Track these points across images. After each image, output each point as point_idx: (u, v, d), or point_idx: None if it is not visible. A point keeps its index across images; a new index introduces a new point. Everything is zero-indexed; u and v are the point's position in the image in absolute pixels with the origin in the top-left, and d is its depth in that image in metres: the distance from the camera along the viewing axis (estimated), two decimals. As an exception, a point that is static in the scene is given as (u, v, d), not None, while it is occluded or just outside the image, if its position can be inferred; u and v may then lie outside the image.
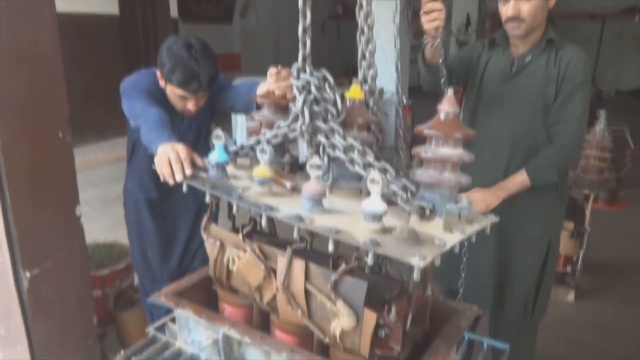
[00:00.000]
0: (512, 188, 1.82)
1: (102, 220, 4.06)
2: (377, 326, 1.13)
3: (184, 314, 1.31)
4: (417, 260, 0.93)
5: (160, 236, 2.13)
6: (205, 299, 1.44)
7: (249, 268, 1.30)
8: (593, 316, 3.27)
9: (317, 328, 1.19)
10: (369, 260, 1.02)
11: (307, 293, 1.20)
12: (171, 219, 2.14)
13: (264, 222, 1.16)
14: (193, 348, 1.28)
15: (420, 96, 6.10)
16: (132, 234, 2.18)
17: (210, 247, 1.39)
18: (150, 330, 1.44)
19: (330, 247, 1.06)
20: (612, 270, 3.86)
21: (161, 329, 1.47)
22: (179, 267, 2.19)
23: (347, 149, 1.16)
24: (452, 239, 1.05)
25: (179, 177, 1.30)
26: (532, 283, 2.02)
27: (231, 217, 1.40)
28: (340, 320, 1.14)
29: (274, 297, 1.27)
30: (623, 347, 2.94)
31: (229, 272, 1.37)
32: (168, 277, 2.09)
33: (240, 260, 1.31)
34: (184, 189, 1.31)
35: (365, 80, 1.28)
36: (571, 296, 3.39)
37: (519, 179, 1.82)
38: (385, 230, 1.05)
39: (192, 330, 1.34)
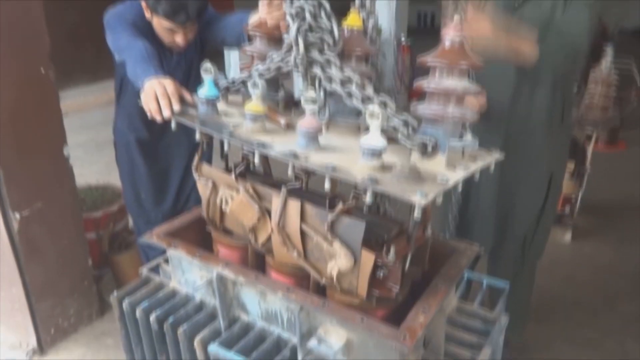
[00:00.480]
0: (512, 39, 1.56)
1: (96, 163, 4.00)
2: (375, 267, 1.10)
3: (177, 255, 1.27)
4: (419, 198, 0.88)
5: (153, 177, 2.08)
6: (200, 239, 1.40)
7: (242, 209, 1.25)
8: (590, 256, 3.29)
9: (313, 269, 1.16)
10: (368, 198, 0.97)
11: (302, 234, 1.15)
12: (164, 160, 2.08)
13: (256, 160, 1.10)
14: (187, 288, 1.26)
15: (420, 36, 5.89)
16: (124, 176, 2.12)
17: (203, 188, 1.33)
18: (144, 271, 1.42)
19: (327, 186, 1.00)
20: (609, 210, 3.85)
21: (155, 270, 1.44)
22: (174, 209, 2.15)
23: (345, 82, 1.09)
24: (455, 176, 0.99)
25: (166, 113, 1.23)
26: (533, 221, 1.99)
27: (224, 156, 1.34)
28: (337, 261, 1.10)
29: (269, 239, 1.23)
30: (619, 285, 2.97)
31: (222, 213, 1.32)
32: (162, 219, 2.05)
33: (234, 201, 1.26)
34: (173, 126, 1.24)
35: (363, 5, 1.19)
36: (568, 236, 3.40)
37: (525, 42, 1.58)
38: (385, 168, 0.99)
39: (186, 271, 1.31)
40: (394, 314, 1.16)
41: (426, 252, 1.22)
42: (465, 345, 1.22)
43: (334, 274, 1.12)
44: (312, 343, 1.07)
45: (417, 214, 0.90)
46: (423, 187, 0.93)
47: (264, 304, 1.20)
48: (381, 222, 1.21)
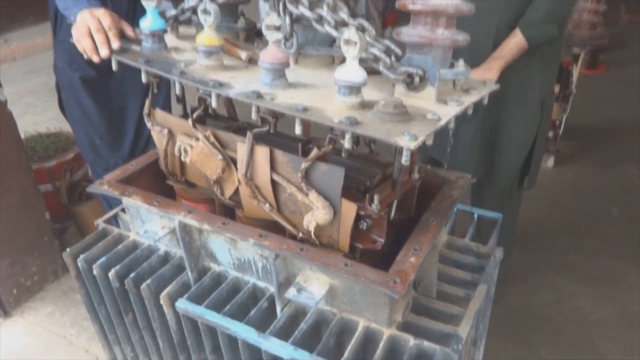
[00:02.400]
0: (508, 54, 1.60)
1: (50, 109, 3.73)
2: (358, 218, 0.98)
3: (134, 203, 1.13)
4: (407, 141, 0.75)
5: (106, 120, 1.88)
6: (160, 185, 1.25)
7: (204, 159, 1.10)
8: (572, 180, 3.25)
9: (288, 223, 1.04)
10: (346, 143, 0.83)
11: (274, 185, 1.02)
12: (117, 100, 1.88)
13: (214, 103, 0.95)
14: (148, 240, 1.12)
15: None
16: (74, 121, 1.92)
17: (158, 137, 1.18)
18: (100, 223, 1.28)
19: (298, 130, 0.86)
20: (590, 134, 3.81)
21: (115, 221, 1.30)
22: (133, 154, 1.96)
23: (314, 4, 0.92)
24: (448, 112, 0.86)
25: (103, 53, 1.05)
26: (524, 151, 1.88)
27: (180, 99, 1.18)
28: (315, 214, 0.98)
29: (237, 191, 1.10)
30: (600, 208, 2.95)
31: (182, 164, 1.18)
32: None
33: (193, 150, 1.11)
34: (114, 66, 1.07)
35: None
36: (551, 162, 3.34)
37: (514, 42, 1.60)
38: (366, 105, 0.85)
39: (146, 221, 1.17)
40: (379, 264, 1.05)
41: (413, 197, 1.10)
42: (458, 283, 1.14)
43: (312, 228, 1.00)
44: (291, 292, 0.97)
45: (405, 159, 0.77)
46: (411, 127, 0.80)
47: (235, 253, 1.09)
48: (362, 167, 1.08)
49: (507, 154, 1.88)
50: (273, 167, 1.01)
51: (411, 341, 0.95)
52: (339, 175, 0.93)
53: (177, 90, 1.02)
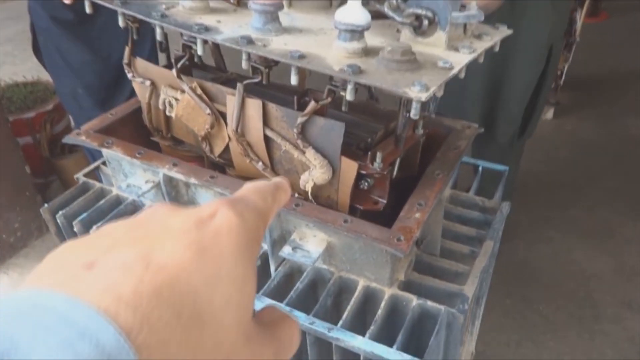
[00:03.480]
0: None
1: (30, 59, 3.56)
2: (358, 177, 0.90)
3: (115, 156, 1.04)
4: (417, 92, 0.67)
5: (89, 68, 1.76)
6: (144, 135, 1.16)
7: (190, 113, 1.01)
8: (571, 132, 3.19)
9: (283, 183, 0.96)
10: (348, 94, 0.74)
11: (267, 141, 0.94)
12: (101, 48, 1.75)
13: (199, 50, 0.85)
14: (132, 195, 1.04)
15: None
16: (53, 67, 1.79)
17: (140, 89, 1.08)
18: (80, 176, 1.19)
19: (293, 80, 0.77)
20: (590, 85, 3.71)
21: (99, 175, 1.22)
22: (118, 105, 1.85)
23: (309, -64, 0.81)
24: (460, 60, 0.77)
25: (74, -7, 0.94)
26: (526, 99, 1.79)
27: (163, 47, 1.07)
28: (312, 173, 0.90)
29: (227, 149, 1.01)
30: (601, 161, 2.90)
31: (167, 119, 1.08)
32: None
33: (179, 104, 1.02)
34: (87, 9, 0.96)
35: None
36: (550, 113, 3.26)
37: None
38: (369, 52, 0.76)
39: (129, 174, 1.09)
40: (379, 223, 0.99)
41: (417, 154, 1.02)
42: (463, 239, 1.08)
43: (309, 188, 0.92)
44: (286, 251, 0.90)
45: (414, 112, 0.68)
46: (421, 76, 0.71)
47: None
48: (363, 122, 1.00)
49: (510, 104, 1.79)
50: (266, 122, 0.92)
51: (414, 301, 0.90)
52: (339, 130, 0.85)
53: (158, 36, 0.91)
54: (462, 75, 0.78)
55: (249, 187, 0.34)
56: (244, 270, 0.26)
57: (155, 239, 0.25)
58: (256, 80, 0.90)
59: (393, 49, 0.72)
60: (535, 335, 1.85)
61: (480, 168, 1.28)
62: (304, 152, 0.89)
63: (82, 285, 0.22)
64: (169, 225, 0.26)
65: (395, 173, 0.96)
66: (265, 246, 0.98)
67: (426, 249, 1.03)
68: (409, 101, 0.72)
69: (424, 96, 0.65)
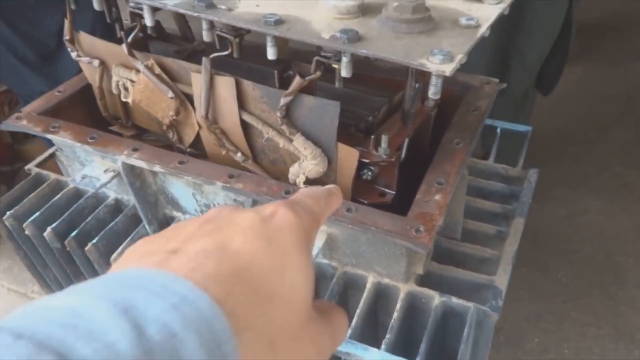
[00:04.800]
0: None
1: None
2: (360, 166, 0.73)
3: (62, 142, 0.85)
4: (439, 64, 0.48)
5: (25, 41, 1.53)
6: (102, 115, 0.96)
7: (150, 97, 0.83)
8: (577, 82, 2.98)
9: (269, 176, 0.78)
10: (343, 69, 0.56)
11: (245, 127, 0.76)
12: (38, 18, 1.52)
13: (147, 20, 0.66)
14: (87, 187, 0.86)
15: None
16: None
17: (88, 70, 0.89)
18: (32, 167, 1.02)
19: (270, 53, 0.59)
20: (593, 31, 3.47)
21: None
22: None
23: None
24: (487, 14, 0.58)
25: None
26: (547, 46, 1.59)
27: (111, 16, 0.87)
28: (303, 166, 0.72)
29: (200, 137, 0.83)
30: (609, 111, 2.71)
31: (126, 105, 0.90)
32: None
33: (135, 86, 0.83)
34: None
35: None
36: (554, 63, 3.05)
37: None
38: (368, 10, 0.57)
39: (85, 163, 0.91)
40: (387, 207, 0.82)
41: (428, 130, 0.84)
42: (486, 217, 0.92)
43: (300, 183, 0.74)
44: None
45: (434, 90, 0.50)
46: (439, 39, 0.52)
47: (201, 198, 0.85)
48: (361, 95, 0.81)
49: (527, 52, 1.58)
50: (242, 104, 0.74)
51: (436, 299, 0.75)
52: (333, 111, 0.67)
53: (96, 5, 0.72)
54: (487, 34, 0.60)
55: (303, 192, 0.36)
56: (305, 260, 0.29)
57: (226, 232, 0.29)
58: (225, 53, 0.71)
59: (401, 5, 0.53)
60: (556, 306, 1.71)
61: (498, 130, 1.10)
62: (291, 140, 0.71)
63: (172, 266, 0.26)
64: (237, 221, 0.29)
65: (403, 154, 0.78)
66: None
67: (445, 233, 0.86)
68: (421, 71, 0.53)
69: (448, 69, 0.47)
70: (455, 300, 0.74)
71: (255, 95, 0.72)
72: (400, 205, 0.73)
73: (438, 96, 0.51)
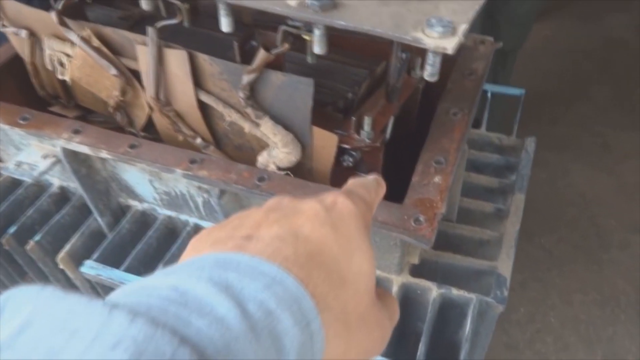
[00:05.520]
0: None
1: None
2: (340, 152, 0.63)
3: None
4: (439, 37, 0.38)
5: None
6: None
7: (91, 75, 0.70)
8: (551, 38, 2.89)
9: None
10: (316, 45, 0.45)
11: (205, 109, 0.65)
12: None
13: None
14: (23, 176, 0.73)
15: None
16: None
17: (17, 43, 0.75)
18: None
19: (224, 25, 0.47)
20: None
21: None
22: None
23: None
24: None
25: None
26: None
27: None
28: (272, 154, 0.62)
29: (152, 120, 0.71)
30: (586, 68, 2.64)
31: (64, 83, 0.77)
32: None
33: (73, 62, 0.70)
34: None
35: None
36: (530, 18, 2.94)
37: None
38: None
39: (21, 147, 0.78)
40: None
41: (415, 106, 0.74)
42: (481, 193, 0.84)
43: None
44: None
45: (431, 71, 0.40)
46: (436, 4, 0.41)
47: (160, 185, 0.74)
48: (338, 65, 0.70)
49: (517, 4, 1.48)
50: (198, 81, 0.63)
51: (434, 291, 0.67)
52: (306, 90, 0.56)
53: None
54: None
55: (355, 182, 0.36)
56: (368, 246, 0.31)
57: (294, 219, 0.29)
58: (173, 22, 0.59)
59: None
60: (541, 273, 1.67)
61: (489, 94, 1.00)
62: (257, 125, 0.60)
63: (251, 250, 0.26)
64: (301, 209, 0.30)
65: (388, 134, 0.68)
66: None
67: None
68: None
69: (450, 45, 0.37)
70: (455, 291, 0.67)
71: (214, 71, 0.61)
72: (388, 192, 0.64)
73: (436, 77, 0.40)
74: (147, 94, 0.66)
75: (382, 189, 0.38)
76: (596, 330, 1.55)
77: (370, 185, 0.36)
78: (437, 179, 0.60)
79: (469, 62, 0.76)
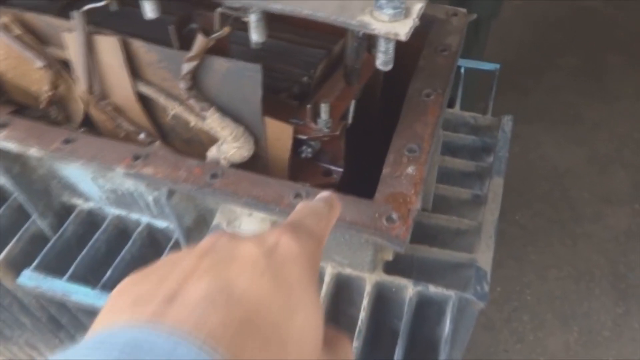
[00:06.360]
0: None
1: None
2: (297, 143, 0.58)
3: None
4: (389, 21, 0.33)
5: None
6: None
7: (17, 67, 0.64)
8: (521, 7, 2.85)
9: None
10: (253, 31, 0.40)
11: (147, 101, 0.59)
12: None
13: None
14: None
15: None
16: None
17: None
18: None
19: (149, 9, 0.42)
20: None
21: None
22: None
23: None
24: None
25: None
26: None
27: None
28: (222, 149, 0.57)
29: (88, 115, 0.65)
30: (556, 38, 2.63)
31: (-10, 76, 0.70)
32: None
33: (-6, 52, 0.63)
34: None
35: None
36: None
37: None
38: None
39: None
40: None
41: (379, 85, 0.69)
42: (457, 178, 0.79)
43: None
44: None
45: (384, 60, 0.35)
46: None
47: (105, 183, 0.68)
48: (290, 44, 0.64)
49: None
50: (136, 72, 0.57)
51: (409, 288, 0.63)
52: (254, 77, 0.51)
53: None
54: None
55: (302, 209, 0.33)
56: (313, 295, 0.27)
57: (228, 268, 0.26)
58: (100, 4, 0.53)
59: None
60: (516, 250, 1.66)
61: (462, 70, 0.95)
62: (203, 118, 0.55)
63: (171, 320, 0.22)
64: (238, 255, 0.27)
65: (350, 119, 0.64)
66: (177, 233, 0.66)
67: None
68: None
69: (403, 30, 0.33)
70: (432, 288, 0.62)
71: (151, 60, 0.55)
72: (352, 184, 0.59)
73: (390, 66, 0.36)
74: (80, 87, 0.59)
75: (336, 211, 0.34)
76: (571, 306, 1.55)
77: (320, 211, 0.33)
78: (410, 169, 0.55)
79: (442, 37, 0.70)
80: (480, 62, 0.94)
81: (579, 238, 1.70)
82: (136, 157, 0.57)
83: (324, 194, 0.35)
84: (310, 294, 0.27)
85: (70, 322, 0.80)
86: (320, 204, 0.34)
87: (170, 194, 0.59)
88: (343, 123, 0.59)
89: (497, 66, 0.91)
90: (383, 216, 0.51)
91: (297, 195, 0.52)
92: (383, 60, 0.36)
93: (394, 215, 0.51)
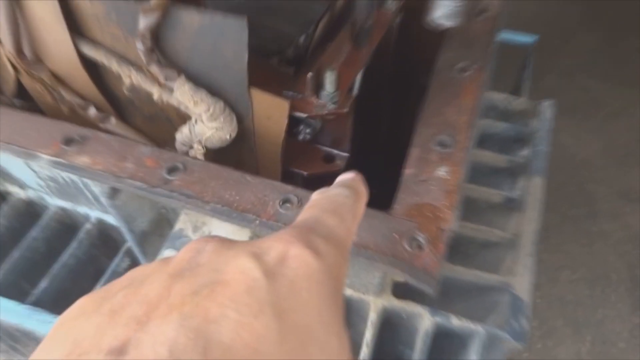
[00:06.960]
0: None
1: None
2: (293, 123, 0.46)
3: None
4: None
5: None
6: None
7: None
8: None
9: (147, 140, 0.50)
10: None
11: (95, 68, 0.46)
12: None
13: None
14: None
15: None
16: None
17: None
18: None
19: None
20: None
21: None
22: None
23: None
24: None
25: None
26: None
27: None
28: (196, 130, 0.45)
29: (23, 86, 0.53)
30: (574, 15, 2.53)
31: None
32: None
33: None
34: None
35: None
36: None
37: None
38: None
39: None
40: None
41: (389, 49, 0.57)
42: (486, 175, 0.65)
43: (199, 154, 0.47)
44: (167, 254, 0.48)
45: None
46: None
47: (42, 170, 0.55)
48: (283, 2, 0.52)
49: None
50: (79, 28, 0.45)
51: (425, 317, 0.50)
52: (238, 34, 0.39)
53: None
54: None
55: (319, 201, 0.24)
56: (337, 333, 0.19)
57: (209, 300, 0.18)
58: None
59: None
60: (526, 248, 1.57)
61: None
62: (170, 90, 0.43)
63: None
64: (226, 277, 0.19)
65: (356, 90, 0.51)
66: (129, 240, 0.54)
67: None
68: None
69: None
70: (455, 321, 0.50)
71: (97, 12, 0.43)
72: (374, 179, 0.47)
73: (458, 20, 0.24)
74: (5, 48, 0.47)
75: (363, 201, 0.25)
76: (585, 313, 1.46)
77: (343, 203, 0.24)
78: (442, 171, 0.42)
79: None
80: (517, 33, 0.81)
81: (595, 237, 1.60)
82: (68, 141, 0.43)
83: (346, 175, 0.26)
84: (334, 331, 0.19)
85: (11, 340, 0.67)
86: (342, 192, 0.25)
87: (114, 192, 0.47)
88: (351, 96, 0.47)
89: (536, 38, 0.79)
90: (404, 237, 0.37)
91: (286, 201, 0.39)
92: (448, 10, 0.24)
93: (420, 237, 0.37)
